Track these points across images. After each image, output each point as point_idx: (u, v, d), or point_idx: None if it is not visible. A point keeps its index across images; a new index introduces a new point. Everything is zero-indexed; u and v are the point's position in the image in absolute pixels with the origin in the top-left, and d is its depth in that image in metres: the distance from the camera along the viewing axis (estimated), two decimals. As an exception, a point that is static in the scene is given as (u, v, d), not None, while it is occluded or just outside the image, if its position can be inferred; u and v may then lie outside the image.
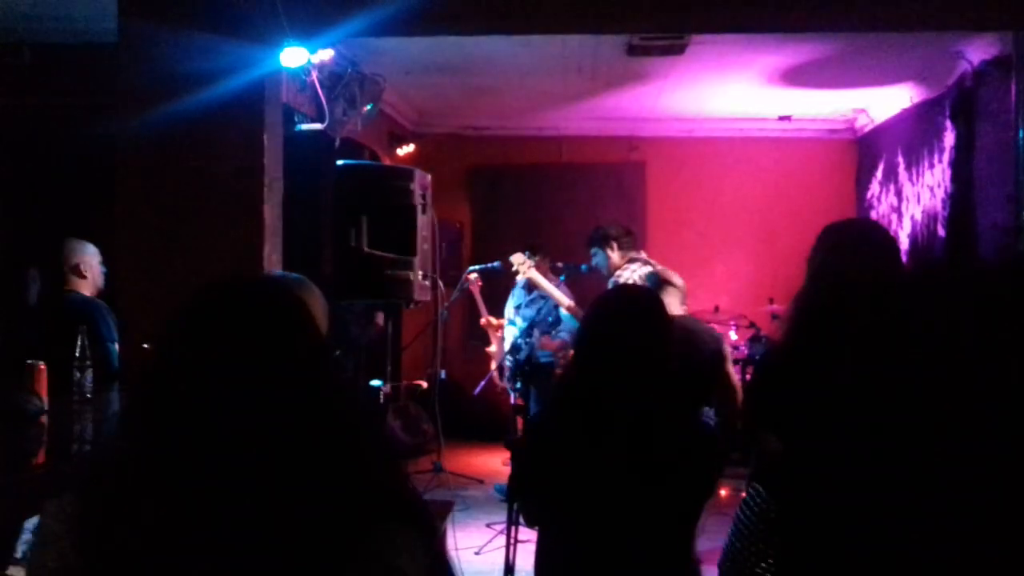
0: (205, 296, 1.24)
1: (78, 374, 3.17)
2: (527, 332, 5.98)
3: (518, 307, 6.38)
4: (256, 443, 1.13)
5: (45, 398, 2.87)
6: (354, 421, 1.24)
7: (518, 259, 5.59)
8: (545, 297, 6.04)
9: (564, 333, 6.05)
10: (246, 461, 1.12)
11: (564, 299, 5.42)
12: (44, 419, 2.81)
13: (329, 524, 1.12)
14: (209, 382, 1.16)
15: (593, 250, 5.19)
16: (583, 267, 5.71)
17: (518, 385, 6.14)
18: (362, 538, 1.14)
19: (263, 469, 1.12)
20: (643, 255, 4.93)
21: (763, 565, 1.46)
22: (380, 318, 5.50)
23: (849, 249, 2.39)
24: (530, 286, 5.92)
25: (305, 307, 1.26)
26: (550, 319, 6.18)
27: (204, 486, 1.11)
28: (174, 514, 1.11)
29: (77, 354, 3.18)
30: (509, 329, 6.40)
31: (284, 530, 1.10)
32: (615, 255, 4.91)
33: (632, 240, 5.01)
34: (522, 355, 5.96)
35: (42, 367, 2.88)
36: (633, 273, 4.79)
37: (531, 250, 6.09)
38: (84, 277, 4.07)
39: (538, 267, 5.97)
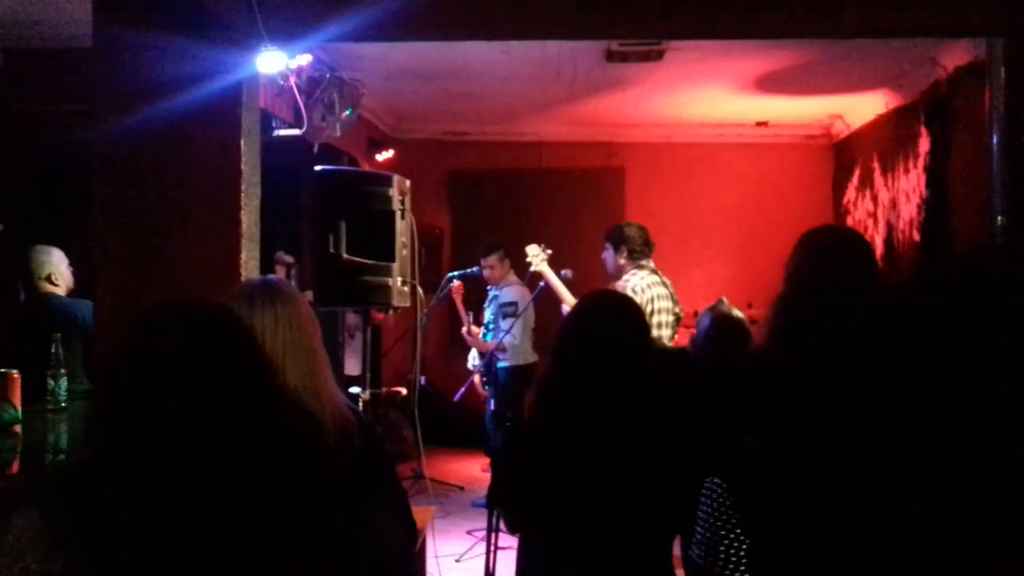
0: (161, 315, 1.42)
1: (52, 382, 3.13)
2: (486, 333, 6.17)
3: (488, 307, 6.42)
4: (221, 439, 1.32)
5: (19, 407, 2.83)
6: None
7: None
8: (497, 297, 6.31)
9: (501, 332, 6.10)
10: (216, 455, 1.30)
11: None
12: (18, 428, 2.77)
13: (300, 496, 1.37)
14: (174, 392, 1.30)
15: (606, 245, 5.10)
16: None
17: (487, 387, 6.21)
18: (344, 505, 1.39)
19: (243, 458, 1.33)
20: (651, 264, 4.85)
21: (726, 542, 1.76)
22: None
23: (825, 255, 2.41)
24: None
25: (245, 329, 1.47)
26: (490, 319, 6.28)
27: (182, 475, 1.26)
28: (150, 516, 1.21)
29: (51, 362, 3.14)
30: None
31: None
32: (621, 259, 4.85)
33: (647, 250, 4.91)
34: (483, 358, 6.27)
35: (16, 375, 2.84)
36: (642, 281, 4.71)
37: (500, 249, 6.26)
38: (57, 285, 4.05)
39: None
